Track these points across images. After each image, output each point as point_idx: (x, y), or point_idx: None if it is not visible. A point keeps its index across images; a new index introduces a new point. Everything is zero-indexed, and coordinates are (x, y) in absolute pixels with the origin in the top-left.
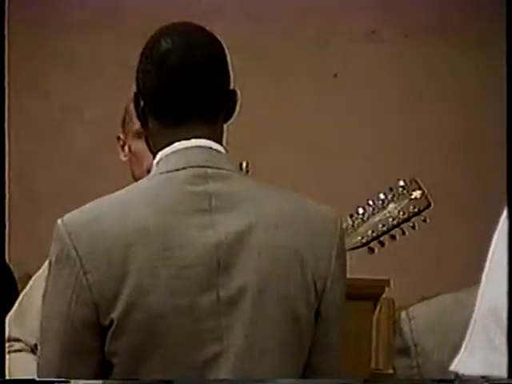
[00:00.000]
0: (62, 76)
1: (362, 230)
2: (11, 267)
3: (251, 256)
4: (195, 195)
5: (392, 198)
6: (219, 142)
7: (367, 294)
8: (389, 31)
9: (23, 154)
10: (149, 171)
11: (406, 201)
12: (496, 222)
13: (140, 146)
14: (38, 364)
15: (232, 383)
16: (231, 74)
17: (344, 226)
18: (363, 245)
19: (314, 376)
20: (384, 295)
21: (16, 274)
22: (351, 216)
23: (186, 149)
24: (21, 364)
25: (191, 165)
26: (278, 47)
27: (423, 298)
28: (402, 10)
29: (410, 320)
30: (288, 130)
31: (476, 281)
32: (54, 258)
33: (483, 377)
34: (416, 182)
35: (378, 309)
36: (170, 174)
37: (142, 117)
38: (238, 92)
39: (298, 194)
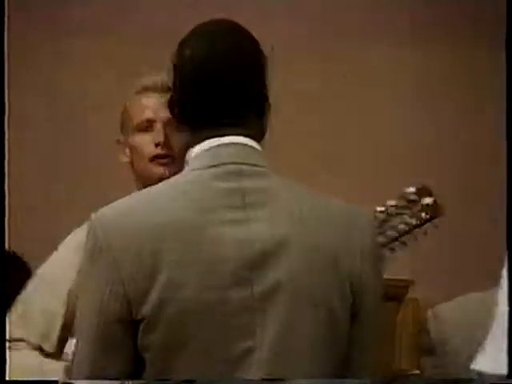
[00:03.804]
0: (72, 76)
1: None
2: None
3: (285, 253)
4: (228, 192)
5: (404, 204)
6: (255, 139)
7: (392, 294)
8: (405, 31)
9: (38, 158)
10: (151, 160)
11: (418, 207)
12: None
13: (139, 138)
14: (74, 357)
15: (255, 383)
16: (267, 72)
17: None
18: None
19: (350, 374)
20: (408, 295)
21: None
22: None
23: (219, 146)
24: (24, 360)
25: (223, 162)
26: (291, 46)
27: (447, 298)
28: (417, 11)
29: (435, 319)
30: (304, 131)
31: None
32: (87, 253)
33: (482, 376)
34: (426, 188)
35: (402, 309)
36: (201, 170)
37: (176, 115)
38: (268, 90)
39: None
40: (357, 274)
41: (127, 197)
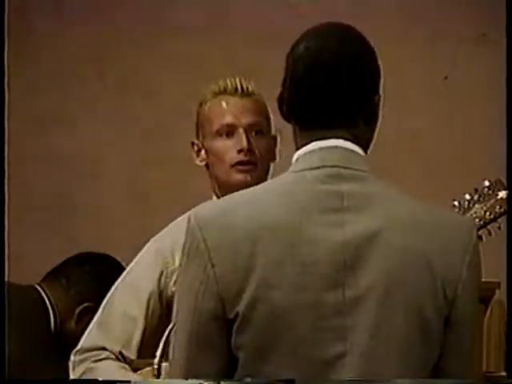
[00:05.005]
0: (170, 76)
1: None
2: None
3: (379, 257)
4: (327, 194)
5: (478, 198)
6: (359, 144)
7: (479, 296)
8: (499, 33)
9: (132, 155)
10: (232, 166)
11: (492, 201)
12: None
13: (220, 143)
14: (171, 355)
15: (353, 383)
16: (380, 80)
17: None
18: None
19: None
20: (495, 297)
21: None
22: None
23: (322, 148)
24: (106, 372)
25: (325, 164)
26: (387, 48)
27: None
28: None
29: None
30: (397, 131)
31: None
32: (185, 251)
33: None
34: (501, 182)
35: (488, 311)
36: (304, 172)
37: (284, 113)
38: (381, 94)
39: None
40: (453, 282)
41: (226, 196)
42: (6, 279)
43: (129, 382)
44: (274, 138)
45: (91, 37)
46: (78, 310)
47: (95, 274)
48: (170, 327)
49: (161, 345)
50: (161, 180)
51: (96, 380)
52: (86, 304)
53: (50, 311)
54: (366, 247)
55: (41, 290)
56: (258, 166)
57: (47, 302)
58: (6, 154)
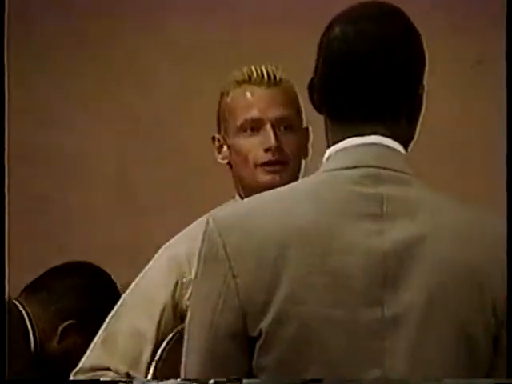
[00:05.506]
0: (169, 70)
1: None
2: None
3: (422, 270)
4: (365, 198)
5: None
6: (399, 141)
7: None
8: None
9: (125, 153)
10: (259, 166)
11: None
12: None
13: (244, 141)
14: (182, 375)
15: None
16: (425, 71)
17: None
18: None
19: None
20: None
21: (117, 282)
22: None
23: (358, 146)
24: None
25: (362, 164)
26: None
27: None
28: None
29: None
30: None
31: None
32: (201, 258)
33: None
34: None
35: None
36: (337, 172)
37: (316, 102)
38: (425, 87)
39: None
40: (502, 297)
41: (249, 198)
42: (5, 279)
43: (130, 381)
44: (306, 131)
45: (91, 36)
46: (60, 328)
47: (80, 287)
48: (164, 345)
49: (153, 364)
50: (160, 181)
51: (95, 380)
52: (69, 321)
53: (30, 329)
54: (407, 260)
55: (19, 305)
56: (288, 164)
57: (26, 318)
58: (5, 155)
